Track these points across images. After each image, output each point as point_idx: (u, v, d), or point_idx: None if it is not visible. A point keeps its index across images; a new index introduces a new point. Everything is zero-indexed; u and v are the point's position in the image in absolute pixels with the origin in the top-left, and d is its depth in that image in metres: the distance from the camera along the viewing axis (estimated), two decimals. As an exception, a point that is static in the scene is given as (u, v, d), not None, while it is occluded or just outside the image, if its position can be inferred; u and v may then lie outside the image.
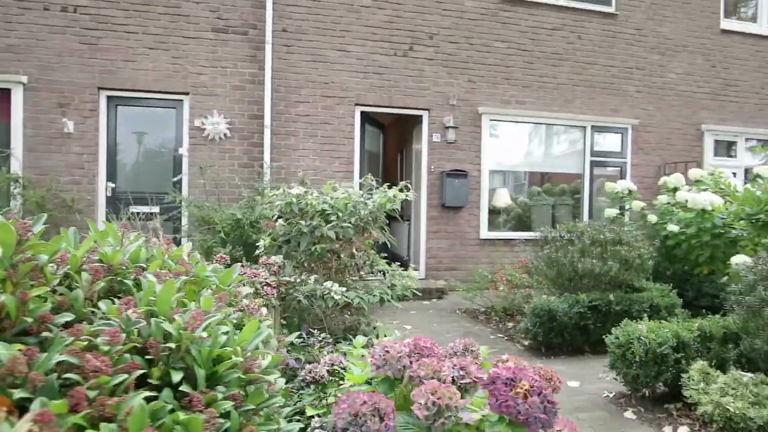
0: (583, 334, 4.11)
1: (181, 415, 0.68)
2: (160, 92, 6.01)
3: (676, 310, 4.25)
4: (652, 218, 5.53)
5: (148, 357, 0.81)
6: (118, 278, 1.08)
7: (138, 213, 5.88)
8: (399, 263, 4.04)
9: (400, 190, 3.68)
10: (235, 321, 1.13)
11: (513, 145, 7.42)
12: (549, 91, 7.28)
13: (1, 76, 5.50)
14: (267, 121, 6.17)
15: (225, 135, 6.12)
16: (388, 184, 3.92)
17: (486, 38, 7.00)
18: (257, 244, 3.70)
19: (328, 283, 3.13)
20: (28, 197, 5.34)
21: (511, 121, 7.23)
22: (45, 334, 0.77)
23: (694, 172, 5.94)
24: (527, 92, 7.19)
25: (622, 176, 7.54)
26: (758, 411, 2.45)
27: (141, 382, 0.79)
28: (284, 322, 2.95)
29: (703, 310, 4.14)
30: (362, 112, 6.70)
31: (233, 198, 6.05)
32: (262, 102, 6.21)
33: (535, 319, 4.07)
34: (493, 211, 7.24)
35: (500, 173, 7.42)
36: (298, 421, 1.51)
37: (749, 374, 2.71)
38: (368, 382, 1.44)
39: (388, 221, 3.88)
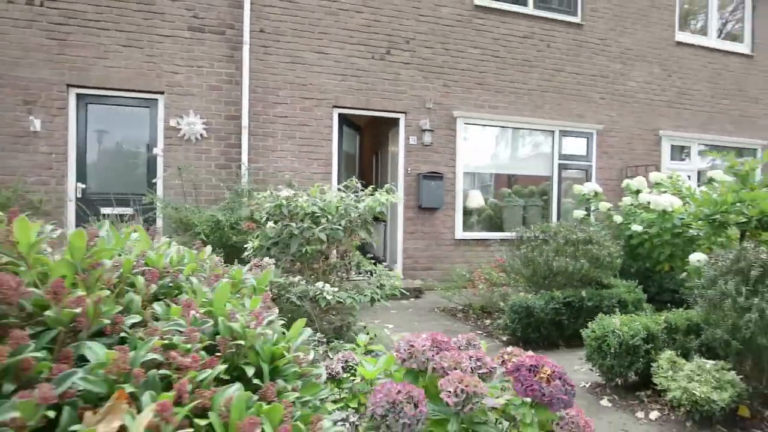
0: (557, 329, 4.34)
1: (264, 407, 0.75)
2: (133, 91, 5.86)
3: (642, 305, 4.55)
4: (618, 219, 5.86)
5: (216, 354, 0.87)
6: (160, 281, 1.12)
7: (110, 215, 5.76)
8: (376, 263, 4.14)
9: (386, 192, 3.78)
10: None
11: (486, 148, 7.66)
12: (520, 97, 7.57)
13: (-39, 70, 5.23)
14: (245, 122, 6.12)
15: (201, 135, 6.03)
16: (372, 186, 4.01)
17: (460, 44, 7.20)
18: (245, 246, 3.71)
19: (320, 284, 3.19)
20: (-9, 199, 5.09)
21: (484, 125, 7.47)
22: (123, 335, 0.82)
23: (654, 176, 6.34)
24: (499, 97, 7.45)
25: (588, 179, 7.93)
26: (720, 394, 2.70)
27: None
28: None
29: (668, 305, 4.44)
30: (340, 114, 6.75)
31: (210, 199, 5.98)
32: (239, 103, 6.16)
33: (514, 316, 4.26)
34: (467, 212, 7.45)
35: (473, 175, 7.64)
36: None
37: (711, 361, 2.97)
38: (388, 375, 1.53)
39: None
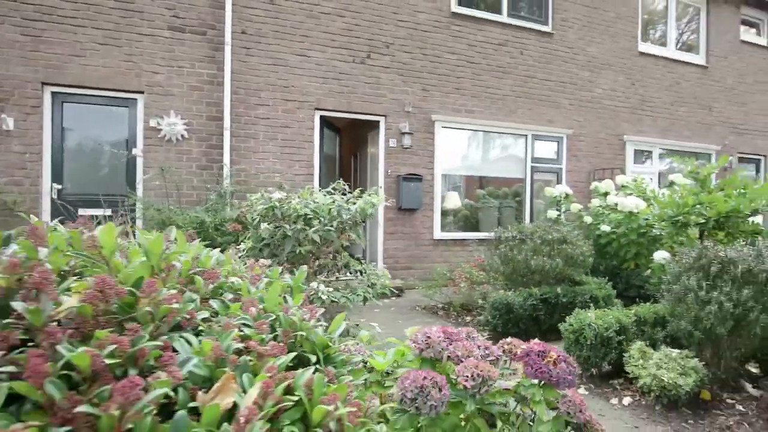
0: (535, 324, 4.58)
1: (332, 386, 0.88)
2: (111, 90, 5.76)
3: (612, 300, 4.85)
4: (588, 219, 6.20)
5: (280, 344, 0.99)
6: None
7: (87, 216, 5.63)
8: (361, 263, 4.26)
9: (375, 194, 3.91)
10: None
11: (462, 151, 7.91)
12: (495, 102, 7.85)
13: (-73, 66, 5.02)
14: (226, 123, 6.12)
15: (182, 136, 5.99)
16: (360, 189, 4.14)
17: (438, 50, 7.41)
18: (238, 246, 3.76)
19: (314, 284, 3.29)
20: (-39, 199, 4.92)
21: (461, 129, 7.71)
22: (200, 328, 0.92)
23: (620, 179, 6.72)
24: (475, 102, 7.70)
25: (559, 181, 8.30)
26: (685, 379, 2.97)
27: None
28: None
29: (637, 299, 4.76)
30: (321, 117, 6.83)
31: (192, 200, 5.95)
32: (221, 104, 6.15)
33: (495, 312, 4.48)
34: (445, 213, 7.67)
35: (451, 177, 7.86)
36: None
37: (676, 350, 3.25)
38: (399, 366, 1.66)
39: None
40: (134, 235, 1.49)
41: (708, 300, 3.10)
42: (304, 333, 1.00)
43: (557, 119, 8.33)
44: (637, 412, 3.02)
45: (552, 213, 6.72)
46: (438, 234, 7.41)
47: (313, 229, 3.36)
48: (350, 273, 4.02)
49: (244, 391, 0.74)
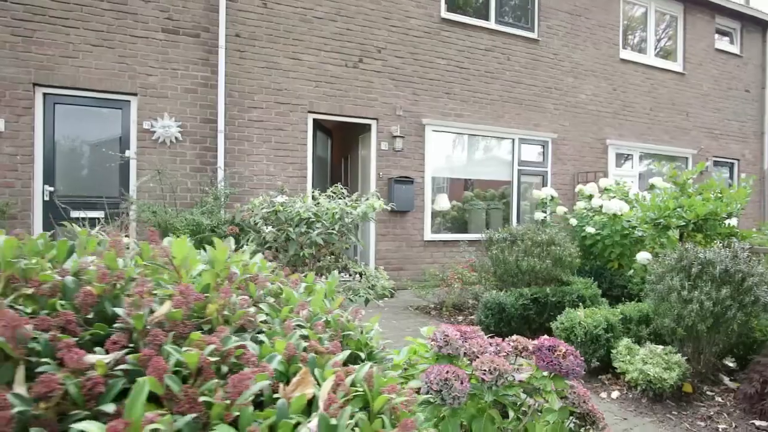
0: (525, 323, 4.76)
1: (384, 379, 0.99)
2: (104, 92, 5.75)
3: (598, 300, 5.07)
4: (573, 221, 6.43)
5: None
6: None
7: (79, 218, 5.62)
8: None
9: (375, 198, 4.03)
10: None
11: (452, 154, 8.08)
12: (483, 106, 8.04)
13: None
14: (220, 125, 6.16)
15: (176, 138, 6.01)
16: (357, 193, 4.25)
17: (429, 55, 7.56)
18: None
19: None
20: (-48, 202, 4.86)
21: (451, 132, 7.88)
22: (262, 329, 1.03)
23: (603, 182, 6.98)
24: (464, 106, 7.88)
25: (544, 183, 8.54)
26: (669, 374, 3.17)
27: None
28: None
29: (623, 299, 4.98)
30: (314, 119, 6.91)
31: (186, 202, 5.97)
32: (215, 106, 6.18)
33: (487, 312, 4.64)
34: (435, 215, 7.83)
35: (440, 179, 8.02)
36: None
37: (660, 347, 3.45)
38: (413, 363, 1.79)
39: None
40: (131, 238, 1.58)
41: (690, 299, 3.31)
42: (351, 332, 1.11)
43: (543, 123, 8.57)
44: (625, 405, 3.21)
45: (539, 215, 6.94)
46: (428, 235, 7.57)
47: (316, 231, 3.46)
48: (349, 275, 4.13)
49: (318, 384, 0.85)
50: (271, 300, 1.25)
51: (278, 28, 6.56)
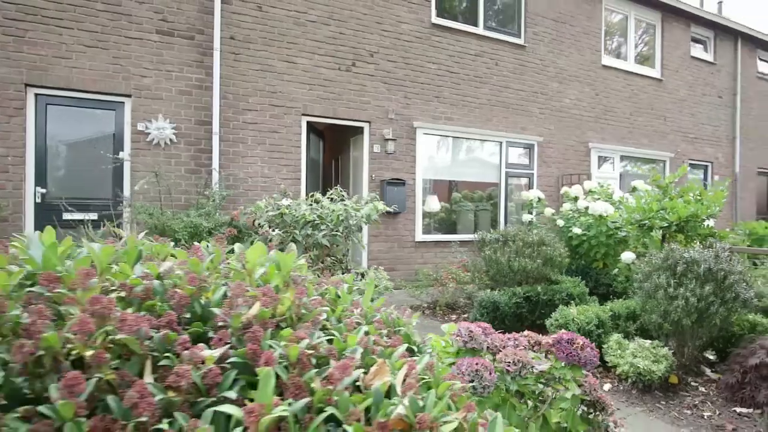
0: (518, 320, 4.94)
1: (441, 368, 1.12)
2: (98, 93, 5.71)
3: (585, 298, 5.29)
4: (560, 222, 6.66)
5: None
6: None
7: (72, 220, 5.59)
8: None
9: (376, 200, 4.15)
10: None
11: (442, 156, 8.25)
12: (472, 110, 8.23)
13: None
14: (215, 127, 6.18)
15: (171, 140, 6.01)
16: (357, 195, 4.36)
17: (420, 59, 7.72)
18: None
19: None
20: (-58, 204, 4.78)
21: (441, 135, 8.05)
22: (326, 325, 1.14)
23: (587, 184, 7.24)
24: (454, 110, 8.06)
25: (530, 185, 8.79)
26: (657, 366, 3.38)
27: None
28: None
29: (611, 296, 5.21)
30: (308, 122, 6.98)
31: (180, 204, 5.97)
32: (209, 108, 6.20)
33: (483, 310, 4.81)
34: (425, 216, 7.98)
35: (431, 181, 8.18)
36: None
37: (648, 341, 3.67)
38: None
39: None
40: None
41: (675, 296, 3.53)
42: (402, 328, 1.23)
43: (529, 127, 8.82)
44: (617, 396, 3.40)
45: (527, 216, 7.16)
46: (420, 236, 7.71)
47: (322, 233, 3.56)
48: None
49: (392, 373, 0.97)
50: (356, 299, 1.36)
51: (272, 31, 6.61)
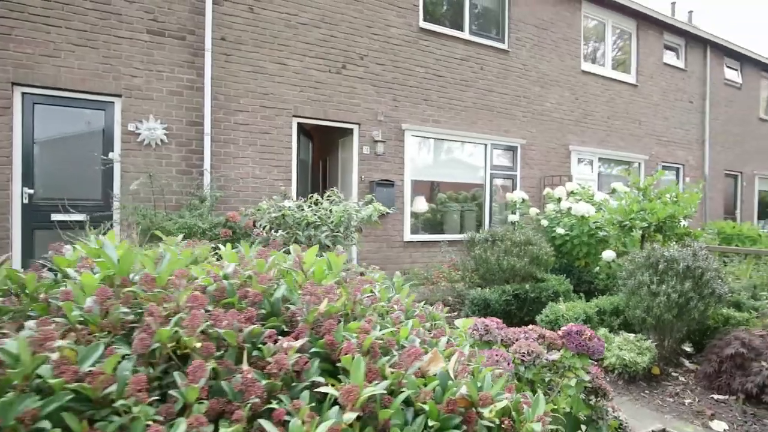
0: (507, 317, 5.14)
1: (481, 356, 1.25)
2: (87, 92, 5.65)
3: (570, 295, 5.53)
4: (544, 222, 6.91)
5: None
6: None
7: (60, 222, 5.52)
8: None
9: (373, 202, 4.27)
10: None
11: (429, 158, 8.42)
12: (458, 113, 8.43)
13: None
14: (207, 128, 6.18)
15: (162, 141, 5.98)
16: (358, 199, 4.47)
17: (408, 63, 7.86)
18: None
19: (327, 286, 3.59)
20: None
21: (428, 137, 8.21)
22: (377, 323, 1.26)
23: (569, 186, 7.53)
24: (441, 112, 8.24)
25: (514, 187, 9.04)
26: (642, 358, 3.61)
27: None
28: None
29: (596, 293, 5.46)
30: (298, 123, 7.04)
31: (171, 205, 5.95)
32: (201, 109, 6.20)
33: (474, 307, 4.98)
34: (413, 216, 8.13)
35: (418, 182, 8.34)
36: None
37: (632, 335, 3.90)
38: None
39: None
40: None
41: (658, 292, 3.77)
42: (439, 321, 1.36)
43: (512, 130, 9.07)
44: (605, 387, 3.61)
45: (513, 217, 7.40)
46: (408, 236, 7.86)
47: (324, 234, 3.66)
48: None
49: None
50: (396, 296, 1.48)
51: (264, 33, 6.65)
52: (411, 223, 7.98)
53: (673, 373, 3.89)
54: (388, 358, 0.98)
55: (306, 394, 0.84)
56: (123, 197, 5.72)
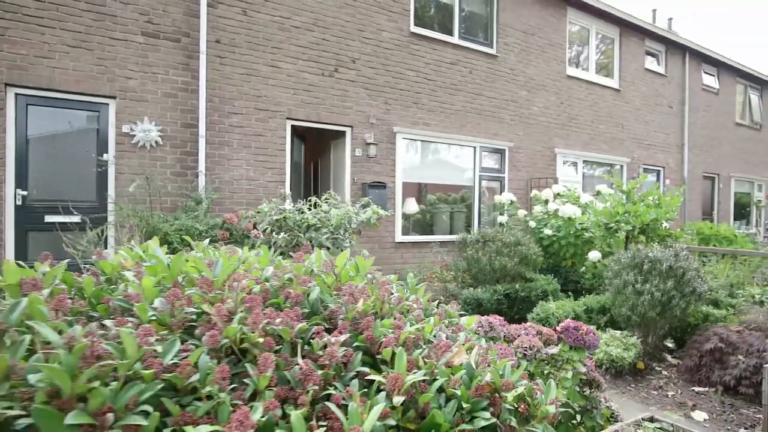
0: (499, 315, 5.31)
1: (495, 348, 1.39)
2: (81, 94, 5.64)
3: (558, 294, 5.73)
4: (532, 224, 7.12)
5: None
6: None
7: (54, 223, 5.52)
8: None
9: (369, 204, 4.39)
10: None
11: (420, 160, 8.57)
12: (448, 116, 8.60)
13: None
14: (201, 130, 6.22)
15: (156, 143, 6.00)
16: (357, 201, 4.59)
17: (399, 66, 8.00)
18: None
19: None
20: None
21: (419, 140, 8.37)
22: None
23: (556, 188, 7.76)
24: (432, 116, 8.40)
25: (502, 189, 9.26)
26: (628, 353, 3.81)
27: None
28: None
29: (584, 292, 5.66)
30: (292, 126, 7.12)
31: (166, 207, 5.98)
32: (195, 111, 6.24)
33: (467, 307, 5.14)
34: (404, 217, 8.27)
35: (409, 184, 8.48)
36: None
37: (618, 331, 4.10)
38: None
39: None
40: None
41: (642, 291, 3.97)
42: (454, 318, 1.49)
43: (501, 133, 9.29)
44: (593, 382, 3.80)
45: (501, 218, 7.59)
46: (399, 237, 8.00)
47: (325, 236, 3.77)
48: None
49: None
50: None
51: (258, 36, 6.71)
52: (402, 225, 8.12)
53: (657, 368, 4.10)
54: (420, 350, 1.10)
55: (355, 382, 0.97)
56: (118, 199, 5.74)
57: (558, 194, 7.72)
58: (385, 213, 4.28)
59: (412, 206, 8.39)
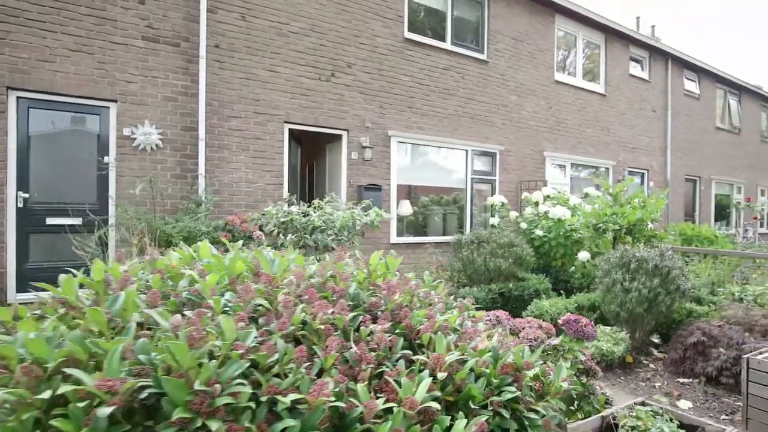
0: (493, 314, 5.52)
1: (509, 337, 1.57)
2: (82, 97, 5.71)
3: (549, 293, 5.96)
4: (524, 225, 7.35)
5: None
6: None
7: (56, 226, 5.58)
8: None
9: (370, 207, 4.56)
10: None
11: (414, 163, 8.76)
12: (441, 120, 8.81)
13: None
14: (201, 133, 6.32)
15: (157, 146, 6.08)
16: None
17: (394, 71, 8.19)
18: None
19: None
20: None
21: (413, 143, 8.56)
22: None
23: (545, 190, 8.01)
24: (425, 119, 8.60)
25: (493, 191, 9.50)
26: (617, 347, 4.03)
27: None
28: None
29: (574, 291, 5.89)
30: (290, 129, 7.24)
31: (167, 209, 6.06)
32: (195, 114, 6.33)
33: (463, 306, 5.33)
34: (398, 219, 8.45)
35: (404, 186, 8.66)
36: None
37: (608, 327, 4.32)
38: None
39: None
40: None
41: (630, 288, 4.20)
42: (472, 311, 1.67)
43: (492, 137, 9.53)
44: (585, 375, 4.01)
45: (493, 219, 7.82)
46: (394, 238, 8.17)
47: (331, 237, 3.92)
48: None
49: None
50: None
51: (256, 41, 6.83)
52: (397, 226, 8.29)
53: (644, 361, 4.33)
54: (450, 337, 1.27)
55: (402, 362, 1.13)
56: (118, 201, 5.81)
57: (548, 196, 7.98)
58: (388, 215, 4.44)
59: (407, 208, 8.56)
